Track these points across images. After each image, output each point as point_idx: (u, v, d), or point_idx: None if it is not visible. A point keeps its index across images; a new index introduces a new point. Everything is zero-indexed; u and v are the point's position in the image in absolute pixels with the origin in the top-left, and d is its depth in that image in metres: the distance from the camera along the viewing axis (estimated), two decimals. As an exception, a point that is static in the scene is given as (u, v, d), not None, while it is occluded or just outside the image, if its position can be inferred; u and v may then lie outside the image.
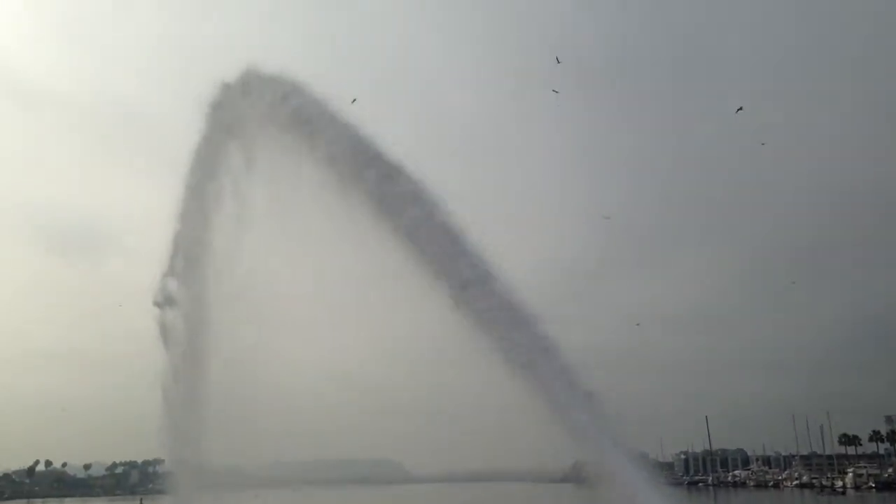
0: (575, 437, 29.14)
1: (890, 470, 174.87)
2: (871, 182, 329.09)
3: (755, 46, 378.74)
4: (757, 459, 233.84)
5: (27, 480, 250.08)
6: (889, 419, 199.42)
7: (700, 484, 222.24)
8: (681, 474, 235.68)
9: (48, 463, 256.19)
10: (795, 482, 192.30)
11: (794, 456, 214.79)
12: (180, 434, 54.03)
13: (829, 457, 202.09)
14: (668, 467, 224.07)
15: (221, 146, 49.38)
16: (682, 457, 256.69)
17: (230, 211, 50.45)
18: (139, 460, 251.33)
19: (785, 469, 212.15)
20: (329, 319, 54.91)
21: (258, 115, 44.83)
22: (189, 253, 52.82)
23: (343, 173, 38.32)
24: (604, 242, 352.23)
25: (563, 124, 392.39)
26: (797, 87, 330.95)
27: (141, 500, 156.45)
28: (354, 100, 44.61)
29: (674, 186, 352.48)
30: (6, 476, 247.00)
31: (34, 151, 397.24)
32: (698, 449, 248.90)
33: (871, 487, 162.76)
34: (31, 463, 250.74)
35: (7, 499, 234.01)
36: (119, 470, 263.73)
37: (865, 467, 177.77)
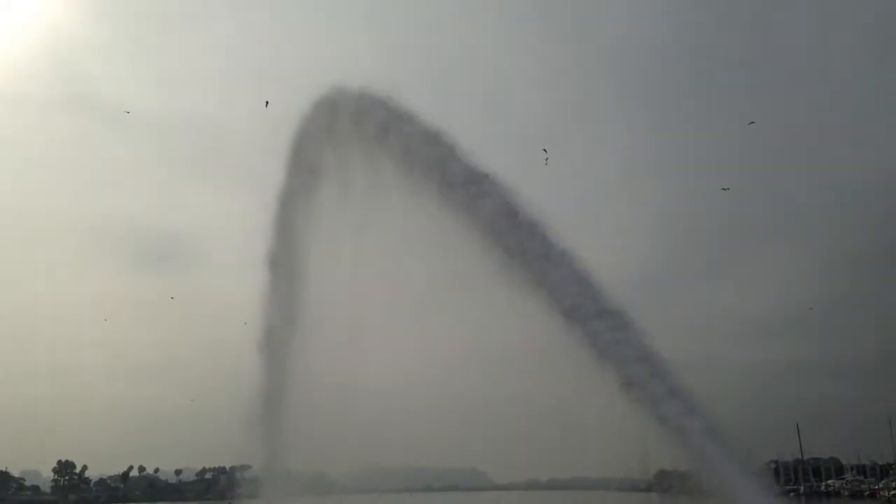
0: (683, 448, 28.67)
1: None
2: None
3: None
4: (851, 468, 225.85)
5: (121, 485, 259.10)
6: None
7: (791, 493, 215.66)
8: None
9: (141, 468, 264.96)
10: (893, 492, 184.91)
11: (891, 465, 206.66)
12: (267, 441, 55.46)
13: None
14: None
15: (312, 161, 50.52)
16: (773, 466, 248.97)
17: (321, 222, 51.57)
18: (227, 466, 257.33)
19: (882, 478, 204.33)
20: (417, 327, 55.46)
21: (346, 131, 45.70)
22: (280, 265, 54.17)
23: (444, 193, 38.57)
24: (684, 244, 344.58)
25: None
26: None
27: (230, 503, 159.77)
28: None
29: (755, 181, 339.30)
30: (102, 481, 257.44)
31: (120, 168, 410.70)
32: (789, 458, 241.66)
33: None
34: (125, 469, 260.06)
35: (104, 503, 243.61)
36: (208, 475, 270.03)
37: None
